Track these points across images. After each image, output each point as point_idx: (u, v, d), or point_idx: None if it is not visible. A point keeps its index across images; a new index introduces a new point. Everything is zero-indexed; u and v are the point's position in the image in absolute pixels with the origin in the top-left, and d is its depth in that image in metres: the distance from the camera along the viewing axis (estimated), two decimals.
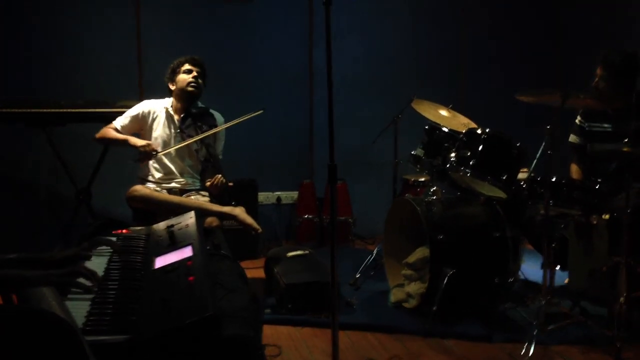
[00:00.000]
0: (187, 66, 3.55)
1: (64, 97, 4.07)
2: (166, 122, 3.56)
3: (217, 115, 3.65)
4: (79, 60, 4.54)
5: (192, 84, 3.53)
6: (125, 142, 3.49)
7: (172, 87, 3.59)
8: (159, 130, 3.55)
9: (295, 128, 5.06)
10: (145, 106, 3.60)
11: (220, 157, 3.64)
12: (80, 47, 4.54)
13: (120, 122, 3.56)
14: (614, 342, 2.76)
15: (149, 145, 3.43)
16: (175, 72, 3.57)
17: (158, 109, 3.59)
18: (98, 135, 3.59)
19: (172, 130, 3.55)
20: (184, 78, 3.54)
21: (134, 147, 3.45)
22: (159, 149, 3.48)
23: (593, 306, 3.22)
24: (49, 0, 4.45)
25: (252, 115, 3.53)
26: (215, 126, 3.55)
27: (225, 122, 3.62)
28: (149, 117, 3.57)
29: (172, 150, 3.51)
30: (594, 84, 3.42)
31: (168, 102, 3.62)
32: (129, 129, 3.57)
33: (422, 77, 5.16)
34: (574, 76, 3.17)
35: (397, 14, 5.15)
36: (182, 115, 3.56)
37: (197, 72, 3.55)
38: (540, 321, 2.86)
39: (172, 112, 3.57)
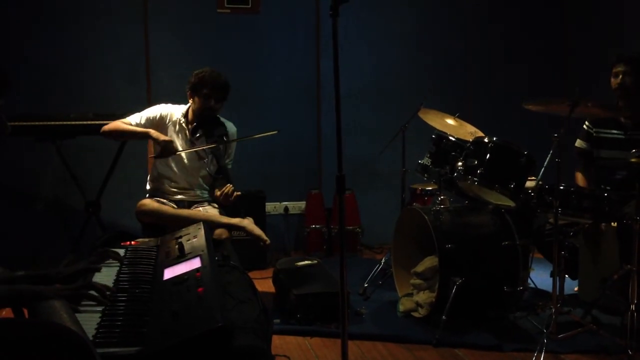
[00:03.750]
0: (206, 91, 3.42)
1: (73, 110, 4.10)
2: (179, 131, 3.50)
3: (229, 125, 3.59)
4: (88, 73, 4.58)
5: (207, 110, 3.46)
6: (145, 134, 3.37)
7: (190, 100, 3.51)
8: (172, 138, 3.46)
9: (302, 138, 5.06)
10: (163, 109, 3.52)
11: (230, 167, 3.61)
12: (90, 60, 4.59)
13: (135, 119, 3.46)
14: (626, 350, 2.74)
15: (171, 141, 3.36)
16: (195, 89, 3.44)
17: (174, 115, 3.51)
18: (107, 127, 3.43)
19: (182, 141, 3.49)
20: (201, 101, 3.44)
21: (156, 140, 3.33)
22: (180, 149, 3.42)
23: (605, 315, 3.20)
24: (58, 13, 4.51)
25: (266, 134, 3.51)
26: (227, 135, 3.49)
27: (238, 132, 3.60)
28: (165, 121, 3.50)
29: (184, 153, 3.45)
30: (619, 82, 3.40)
31: (184, 110, 3.54)
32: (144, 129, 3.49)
33: (429, 86, 5.16)
34: (581, 84, 3.15)
35: (404, 24, 5.16)
36: (193, 125, 3.50)
37: (215, 99, 3.43)
38: (550, 330, 2.85)
39: (185, 121, 3.50)
